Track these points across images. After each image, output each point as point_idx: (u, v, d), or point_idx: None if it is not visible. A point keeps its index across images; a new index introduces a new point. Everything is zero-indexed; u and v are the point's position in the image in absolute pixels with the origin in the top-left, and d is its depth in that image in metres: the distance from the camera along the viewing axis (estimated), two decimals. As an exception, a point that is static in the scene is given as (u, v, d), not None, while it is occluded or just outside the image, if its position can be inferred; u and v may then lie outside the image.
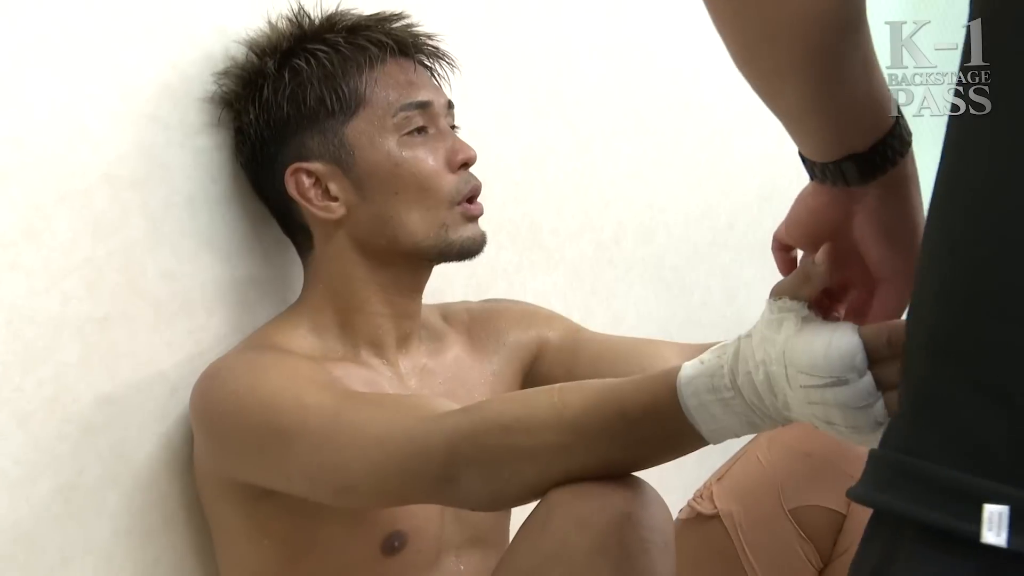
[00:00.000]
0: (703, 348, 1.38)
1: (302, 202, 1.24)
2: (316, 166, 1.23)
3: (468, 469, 0.97)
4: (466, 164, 1.27)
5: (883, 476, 0.67)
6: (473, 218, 1.27)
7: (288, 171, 1.23)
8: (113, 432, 1.20)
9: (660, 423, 0.92)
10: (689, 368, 0.91)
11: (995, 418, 0.64)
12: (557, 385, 0.99)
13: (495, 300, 1.48)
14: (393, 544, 1.20)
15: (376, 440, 1.02)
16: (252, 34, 1.29)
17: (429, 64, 1.31)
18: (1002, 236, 0.64)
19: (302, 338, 1.23)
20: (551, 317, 1.45)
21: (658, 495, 0.98)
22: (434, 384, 1.31)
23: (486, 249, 1.29)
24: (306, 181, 1.23)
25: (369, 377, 1.24)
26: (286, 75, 1.23)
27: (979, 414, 0.64)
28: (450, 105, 1.30)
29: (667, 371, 0.93)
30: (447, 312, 1.41)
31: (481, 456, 0.96)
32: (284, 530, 1.19)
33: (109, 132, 1.20)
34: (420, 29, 1.30)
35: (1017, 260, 0.64)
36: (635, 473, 0.98)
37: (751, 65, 0.81)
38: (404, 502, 1.12)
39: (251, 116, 1.24)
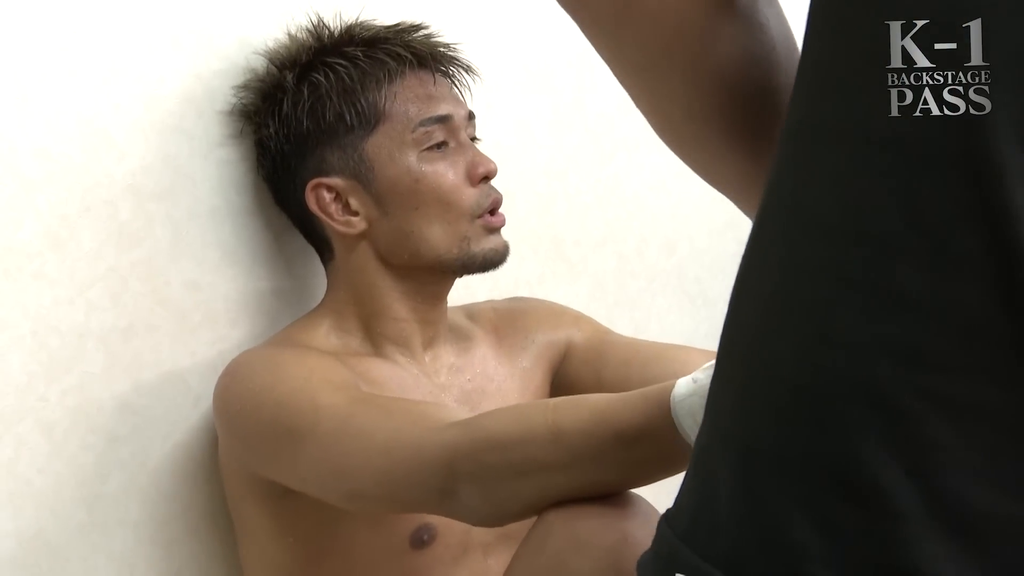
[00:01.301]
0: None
1: (323, 217, 1.24)
2: (336, 181, 1.23)
3: (468, 485, 0.97)
4: (487, 177, 1.26)
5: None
6: (495, 230, 1.26)
7: (308, 186, 1.23)
8: (136, 441, 1.21)
9: (656, 443, 0.91)
10: (683, 387, 0.90)
11: (696, 485, 0.64)
12: (553, 402, 0.99)
13: (521, 299, 1.47)
14: (422, 537, 1.20)
15: (382, 449, 1.02)
16: (272, 45, 1.29)
17: (449, 74, 1.31)
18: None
19: (325, 336, 1.24)
20: (579, 318, 1.44)
21: (657, 514, 0.97)
22: (463, 380, 1.30)
23: (508, 260, 1.28)
24: (326, 196, 1.23)
25: (395, 373, 1.24)
26: (305, 89, 1.23)
27: (691, 478, 0.65)
28: (471, 116, 1.29)
29: (660, 389, 0.92)
30: (472, 311, 1.40)
31: (479, 473, 0.96)
32: (310, 527, 1.19)
33: (134, 143, 1.21)
34: (440, 40, 1.30)
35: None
36: (639, 487, 0.98)
37: (684, 149, 0.80)
38: (411, 511, 1.13)
39: (271, 130, 1.24)
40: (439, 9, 1.45)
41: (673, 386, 0.91)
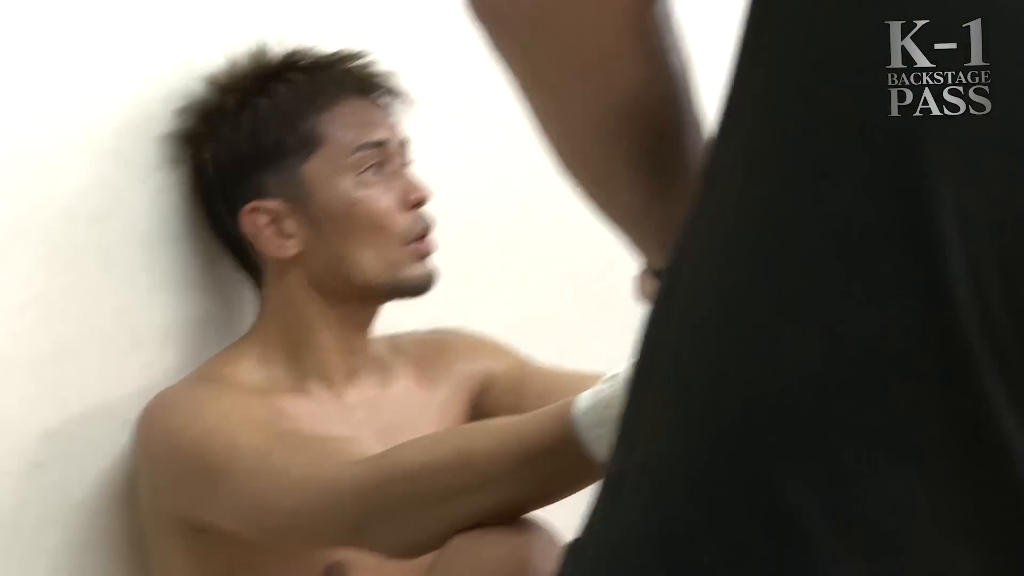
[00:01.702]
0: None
1: (256, 241, 1.24)
2: (273, 204, 1.24)
3: (378, 519, 0.99)
4: (419, 203, 1.28)
5: None
6: (424, 256, 1.28)
7: (245, 209, 1.24)
8: (57, 468, 1.20)
9: (561, 458, 0.93)
10: (585, 399, 0.92)
11: (606, 509, 0.64)
12: (462, 427, 1.01)
13: (444, 331, 1.48)
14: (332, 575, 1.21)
15: (295, 485, 1.04)
16: (213, 70, 1.29)
17: (386, 101, 1.32)
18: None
19: (248, 370, 1.24)
20: (498, 350, 1.45)
21: (557, 539, 0.99)
22: (382, 416, 1.31)
23: (440, 285, 1.30)
24: (261, 220, 1.24)
25: (314, 410, 1.25)
26: (245, 113, 1.24)
27: (601, 502, 0.65)
28: (405, 143, 1.31)
29: (562, 404, 0.94)
30: (396, 344, 1.41)
31: (389, 506, 0.98)
32: (224, 564, 1.20)
33: (70, 166, 1.20)
34: (378, 68, 1.32)
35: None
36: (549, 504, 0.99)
37: (584, 171, 0.78)
38: (327, 545, 1.15)
39: (209, 154, 1.25)
40: (378, 38, 1.45)
41: (575, 400, 0.93)
